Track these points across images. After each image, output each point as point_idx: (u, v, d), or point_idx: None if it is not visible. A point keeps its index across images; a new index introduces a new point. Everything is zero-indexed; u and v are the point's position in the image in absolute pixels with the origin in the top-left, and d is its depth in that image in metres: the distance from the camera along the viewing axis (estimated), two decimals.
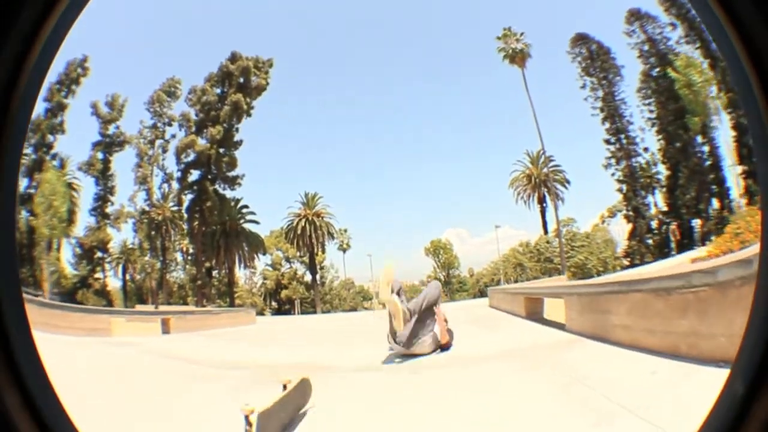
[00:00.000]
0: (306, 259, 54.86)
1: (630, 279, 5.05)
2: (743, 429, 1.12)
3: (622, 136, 49.03)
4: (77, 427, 1.35)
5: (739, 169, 39.62)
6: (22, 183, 35.64)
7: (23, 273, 34.11)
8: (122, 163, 46.69)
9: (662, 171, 48.28)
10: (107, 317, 9.34)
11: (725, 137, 41.09)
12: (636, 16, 47.12)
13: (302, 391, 4.14)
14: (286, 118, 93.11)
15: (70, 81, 40.65)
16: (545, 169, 50.78)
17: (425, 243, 68.24)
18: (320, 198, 54.62)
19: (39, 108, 37.24)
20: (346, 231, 59.76)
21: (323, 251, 55.65)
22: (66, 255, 44.12)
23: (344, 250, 60.86)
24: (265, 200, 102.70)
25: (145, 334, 10.68)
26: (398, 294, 7.61)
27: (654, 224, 48.65)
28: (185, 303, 46.54)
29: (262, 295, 57.73)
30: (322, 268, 57.63)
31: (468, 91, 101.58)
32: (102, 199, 44.25)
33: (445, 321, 7.44)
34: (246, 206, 49.84)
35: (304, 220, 52.48)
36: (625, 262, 49.95)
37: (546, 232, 52.85)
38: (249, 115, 46.35)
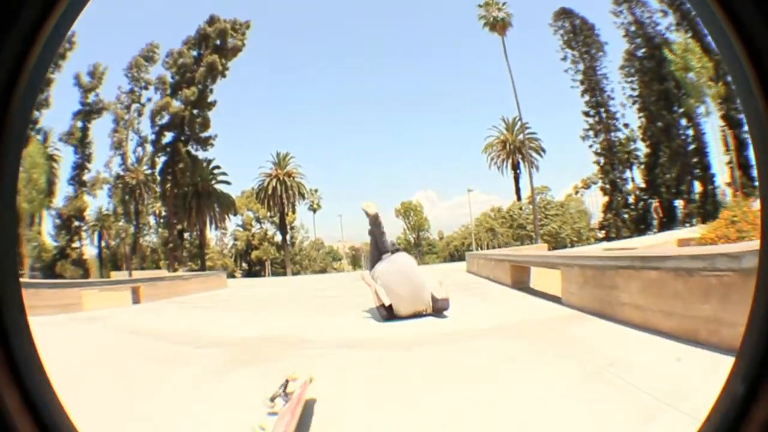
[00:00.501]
0: (276, 219, 55.36)
1: (644, 255, 4.61)
2: (743, 429, 1.09)
3: (602, 109, 49.99)
4: (77, 428, 1.32)
5: (727, 158, 39.90)
6: None
7: None
8: (100, 130, 47.61)
9: (641, 148, 49.07)
10: (78, 291, 8.77)
11: (713, 125, 41.92)
12: None
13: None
14: (262, 79, 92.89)
15: (57, 57, 40.72)
16: (521, 136, 51.03)
17: (395, 204, 68.91)
18: (292, 158, 55.11)
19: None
20: (317, 191, 61.04)
21: (294, 211, 56.30)
22: (47, 227, 44.66)
23: (314, 211, 62.15)
24: (237, 161, 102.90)
25: (116, 305, 10.21)
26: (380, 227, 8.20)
27: (631, 199, 49.20)
28: (158, 267, 46.74)
29: (233, 256, 58.39)
30: (292, 228, 58.50)
31: (443, 58, 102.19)
32: (80, 167, 44.55)
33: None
34: (218, 167, 50.13)
35: (275, 180, 52.86)
36: (600, 234, 50.64)
37: (519, 198, 53.74)
38: (224, 76, 46.76)
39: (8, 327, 1.16)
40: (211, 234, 54.33)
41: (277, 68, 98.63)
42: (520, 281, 9.77)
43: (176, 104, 45.77)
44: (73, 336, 7.11)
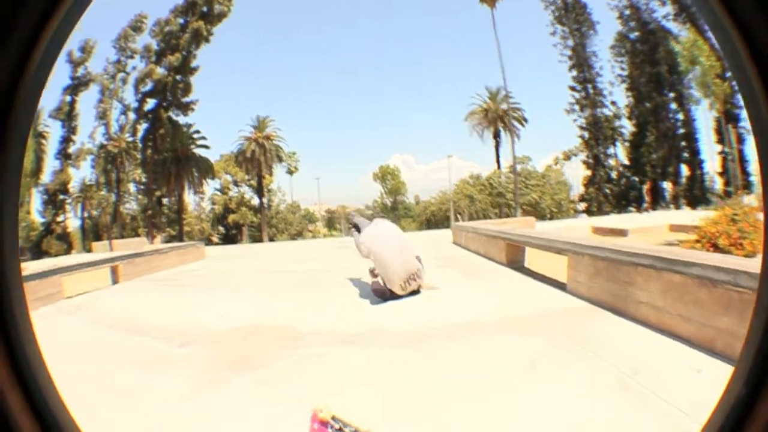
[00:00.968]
0: (254, 182, 55.55)
1: (668, 257, 4.35)
2: (746, 430, 1.07)
3: (589, 85, 50.35)
4: (79, 426, 1.30)
5: (719, 147, 40.77)
6: None
7: None
8: (88, 103, 47.61)
9: (627, 126, 49.53)
10: (59, 278, 8.46)
11: (706, 114, 42.55)
12: None
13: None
14: (245, 45, 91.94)
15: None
16: (504, 106, 51.27)
17: (372, 168, 69.02)
18: (272, 121, 55.11)
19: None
20: (294, 154, 61.68)
21: (271, 174, 56.34)
22: (36, 204, 45.45)
23: (292, 173, 63.10)
24: (218, 125, 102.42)
25: (96, 286, 9.78)
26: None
27: (614, 175, 49.75)
28: (137, 235, 46.81)
29: (210, 220, 58.15)
30: (269, 191, 58.75)
31: (427, 25, 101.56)
32: (66, 140, 44.74)
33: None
34: (198, 131, 50.24)
35: (254, 143, 52.84)
36: (580, 206, 51.13)
37: (499, 166, 54.06)
38: (208, 41, 46.87)
39: (10, 324, 1.14)
40: (189, 199, 54.46)
41: (259, 34, 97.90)
42: (514, 260, 9.54)
43: (160, 71, 45.74)
44: (53, 335, 6.49)
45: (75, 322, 7.11)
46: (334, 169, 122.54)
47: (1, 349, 1.12)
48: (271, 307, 7.09)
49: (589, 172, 51.60)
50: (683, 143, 46.16)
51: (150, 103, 47.12)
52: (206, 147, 51.95)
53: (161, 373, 4.42)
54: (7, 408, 1.10)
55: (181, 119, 48.71)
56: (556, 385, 3.41)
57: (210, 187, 57.25)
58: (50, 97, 44.84)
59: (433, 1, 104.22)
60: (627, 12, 47.67)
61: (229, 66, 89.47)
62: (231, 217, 57.72)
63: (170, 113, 47.45)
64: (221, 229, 59.06)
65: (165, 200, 50.94)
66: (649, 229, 16.85)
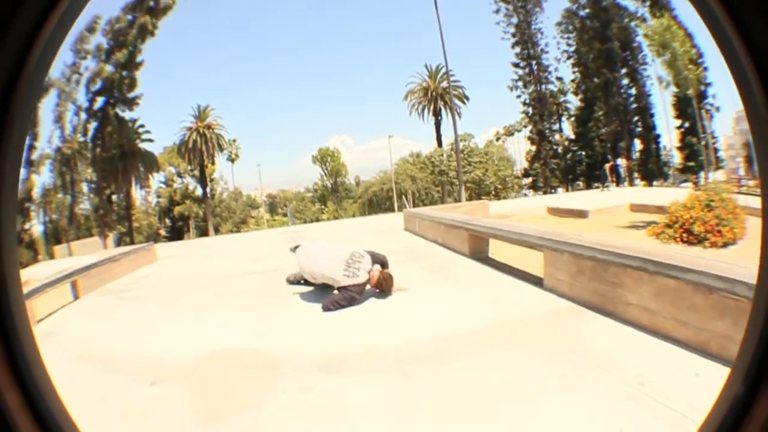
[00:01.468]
0: (197, 172, 56.03)
1: (660, 260, 4.29)
2: (744, 429, 1.11)
3: (534, 62, 50.55)
4: (78, 427, 1.35)
5: (678, 122, 41.82)
6: None
7: None
8: (48, 107, 46.13)
9: (573, 101, 50.16)
10: (30, 302, 8.15)
11: (662, 91, 43.52)
12: None
13: None
14: (185, 35, 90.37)
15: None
16: (444, 84, 51.81)
17: (312, 151, 69.22)
18: (212, 110, 55.57)
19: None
20: (235, 141, 61.96)
21: (213, 163, 56.85)
22: None
23: (233, 161, 63.30)
24: (160, 118, 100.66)
25: (61, 303, 9.46)
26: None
27: (560, 150, 50.50)
28: (91, 235, 46.65)
29: (157, 214, 58.06)
30: (212, 180, 59.07)
31: (367, 3, 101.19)
32: (30, 148, 43.63)
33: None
34: (142, 125, 50.37)
35: (195, 133, 53.28)
36: (525, 181, 51.89)
37: (440, 145, 54.87)
38: (153, 35, 47.01)
39: (9, 326, 1.16)
40: (137, 194, 54.53)
41: (195, 22, 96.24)
42: (478, 251, 9.30)
43: (109, 69, 45.84)
44: None
45: (52, 354, 6.70)
46: (273, 154, 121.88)
47: None
48: (235, 325, 6.56)
49: (533, 148, 52.28)
50: (636, 118, 47.07)
51: (99, 102, 46.95)
52: (150, 141, 51.95)
53: (145, 421, 4.05)
54: (6, 408, 1.11)
55: (127, 115, 48.71)
56: (569, 409, 3.28)
57: (155, 180, 57.31)
58: None
59: None
60: None
61: (169, 57, 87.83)
62: (176, 209, 58.00)
63: (117, 110, 47.43)
64: (168, 221, 58.93)
65: (114, 197, 50.67)
66: (609, 210, 16.81)
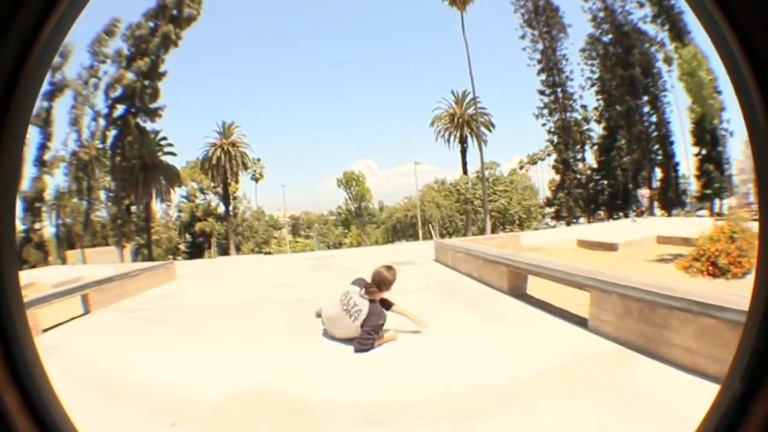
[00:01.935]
0: (220, 189, 55.75)
1: (702, 301, 4.31)
2: (742, 428, 1.12)
3: (559, 89, 50.37)
4: (76, 427, 1.36)
5: (696, 149, 41.66)
6: None
7: None
8: (63, 108, 46.86)
9: (595, 129, 49.99)
10: (34, 311, 7.91)
11: (681, 117, 43.60)
12: None
13: None
14: (212, 49, 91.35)
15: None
16: (470, 110, 52.39)
17: (336, 174, 69.24)
18: (237, 127, 55.58)
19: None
20: (259, 161, 61.90)
21: (237, 182, 56.68)
22: (18, 213, 44.15)
23: (257, 180, 63.14)
24: (183, 132, 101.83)
25: (70, 314, 9.32)
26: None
27: (583, 179, 50.13)
28: (107, 243, 47.23)
29: (177, 228, 57.59)
30: (235, 198, 58.98)
31: (388, 30, 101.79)
32: (42, 147, 44.12)
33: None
34: (165, 138, 50.48)
35: (219, 149, 53.24)
36: (548, 210, 51.58)
37: (465, 172, 54.53)
38: (176, 45, 46.88)
39: (8, 328, 1.17)
40: (157, 207, 54.55)
41: (224, 39, 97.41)
42: (517, 287, 8.99)
43: (130, 76, 45.63)
44: None
45: (53, 373, 6.42)
46: (297, 175, 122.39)
47: None
48: (263, 361, 6.05)
49: (557, 177, 51.99)
50: (656, 146, 46.81)
51: (119, 109, 47.00)
52: (173, 154, 51.91)
53: None
54: (5, 408, 1.13)
55: (149, 125, 48.65)
56: None
57: (177, 194, 57.29)
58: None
59: (396, 3, 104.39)
60: (601, 15, 48.11)
61: (194, 71, 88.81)
62: (198, 225, 57.81)
63: (138, 119, 47.33)
64: (188, 237, 58.84)
65: (134, 208, 50.51)
66: (638, 243, 16.59)
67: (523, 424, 3.84)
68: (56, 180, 46.33)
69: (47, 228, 46.83)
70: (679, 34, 40.72)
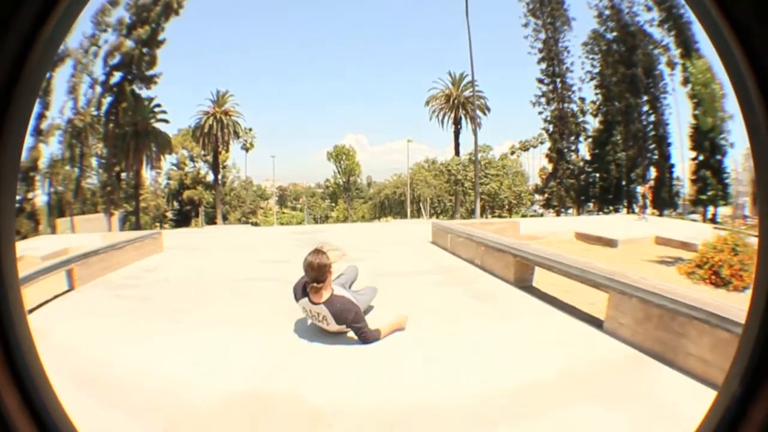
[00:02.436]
0: (210, 158, 56.03)
1: (720, 314, 4.32)
2: (741, 429, 1.11)
3: (558, 80, 50.48)
4: (76, 427, 1.35)
5: (693, 154, 42.31)
6: None
7: None
8: (62, 78, 45.89)
9: (591, 123, 50.90)
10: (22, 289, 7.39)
11: (680, 120, 44.00)
12: None
13: None
14: (211, 21, 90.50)
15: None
16: (467, 93, 53.17)
17: (326, 147, 69.18)
18: (231, 96, 55.70)
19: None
20: (251, 130, 61.58)
21: (227, 150, 57.17)
22: None
23: (247, 150, 62.91)
24: (177, 100, 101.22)
25: (53, 292, 8.82)
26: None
27: (575, 170, 50.51)
28: (96, 210, 47.21)
29: (166, 196, 57.31)
30: (224, 167, 59.39)
31: (391, 7, 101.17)
32: (40, 116, 43.64)
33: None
34: (159, 105, 50.30)
35: (212, 118, 53.45)
36: (538, 197, 52.01)
37: (458, 153, 55.10)
38: (177, 14, 46.85)
39: (7, 326, 1.17)
40: (147, 174, 54.49)
41: (225, 10, 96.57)
42: (523, 278, 8.75)
43: (129, 44, 45.56)
44: None
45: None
46: (287, 147, 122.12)
47: None
48: (262, 354, 5.56)
49: (550, 166, 52.34)
50: (652, 146, 47.21)
51: (116, 77, 46.75)
52: (166, 121, 51.83)
53: None
54: (5, 408, 1.12)
55: (144, 93, 48.53)
56: None
57: (167, 162, 57.52)
58: None
59: None
60: (607, 12, 48.12)
61: (194, 41, 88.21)
62: (186, 193, 57.91)
63: (134, 86, 47.22)
64: (176, 205, 58.79)
65: (123, 175, 50.26)
66: (636, 241, 16.58)
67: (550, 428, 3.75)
68: (51, 148, 46.11)
69: (39, 197, 46.38)
70: (685, 42, 41.14)
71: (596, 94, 50.05)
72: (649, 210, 44.39)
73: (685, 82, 40.88)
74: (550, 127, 51.26)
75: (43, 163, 45.56)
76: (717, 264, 11.02)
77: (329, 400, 4.28)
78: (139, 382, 4.79)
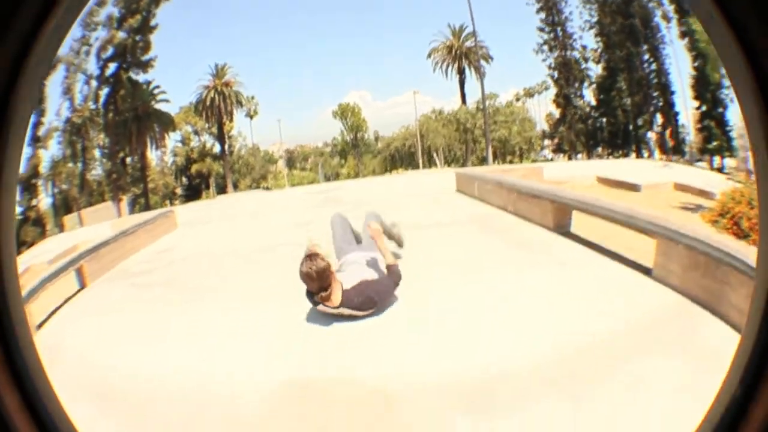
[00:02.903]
0: (215, 130, 55.71)
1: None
2: (741, 430, 1.10)
3: (558, 28, 50.33)
4: (77, 428, 1.34)
5: (696, 104, 42.27)
6: None
7: None
8: (55, 84, 45.14)
9: (594, 69, 50.65)
10: (27, 307, 5.92)
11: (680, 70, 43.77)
12: None
13: None
14: None
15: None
16: (468, 43, 53.02)
17: (329, 107, 68.74)
18: (230, 68, 55.10)
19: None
20: (253, 98, 60.39)
21: (231, 120, 56.56)
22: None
23: (252, 117, 61.83)
24: (179, 80, 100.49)
25: (63, 295, 7.75)
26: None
27: (582, 116, 50.46)
28: (104, 200, 46.69)
29: (173, 173, 57.67)
30: (230, 137, 58.68)
31: None
32: (36, 125, 43.02)
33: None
34: (158, 87, 50.02)
35: (213, 91, 53.09)
36: (547, 143, 52.03)
37: (464, 102, 54.94)
38: None
39: (7, 326, 1.15)
40: (152, 155, 54.02)
41: None
42: (561, 224, 8.33)
43: (121, 35, 45.57)
44: None
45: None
46: (292, 110, 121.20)
47: None
48: (299, 330, 5.14)
49: (557, 111, 52.20)
50: (656, 93, 47.06)
51: (111, 68, 46.56)
52: (167, 101, 51.61)
53: None
54: (5, 409, 1.10)
55: (142, 78, 48.35)
56: None
57: (171, 140, 56.99)
58: None
59: None
60: None
61: (188, 20, 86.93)
62: (194, 167, 57.56)
63: (130, 73, 47.11)
64: (185, 180, 58.74)
65: (128, 160, 50.25)
66: (657, 186, 16.36)
67: (628, 389, 3.57)
68: (51, 151, 45.76)
69: (43, 200, 46.04)
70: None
71: (597, 42, 49.67)
72: (657, 156, 44.39)
73: (683, 35, 40.92)
74: (555, 74, 51.10)
75: (43, 168, 45.28)
76: (737, 215, 11.10)
77: (392, 378, 3.96)
78: (173, 384, 4.26)
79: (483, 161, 45.85)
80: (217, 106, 53.11)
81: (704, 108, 41.22)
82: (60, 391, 1.28)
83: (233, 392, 3.96)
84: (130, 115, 47.07)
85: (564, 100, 50.67)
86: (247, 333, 5.30)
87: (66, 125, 45.43)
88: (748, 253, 4.52)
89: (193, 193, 56.61)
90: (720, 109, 40.59)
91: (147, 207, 45.98)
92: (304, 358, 4.57)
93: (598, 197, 8.23)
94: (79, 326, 6.39)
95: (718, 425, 1.15)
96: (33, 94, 1.20)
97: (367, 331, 4.99)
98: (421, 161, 51.97)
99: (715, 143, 40.14)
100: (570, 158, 49.47)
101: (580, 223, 8.17)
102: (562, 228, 8.37)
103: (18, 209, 42.13)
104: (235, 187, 55.45)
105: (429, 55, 56.85)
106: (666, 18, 44.54)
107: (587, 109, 50.62)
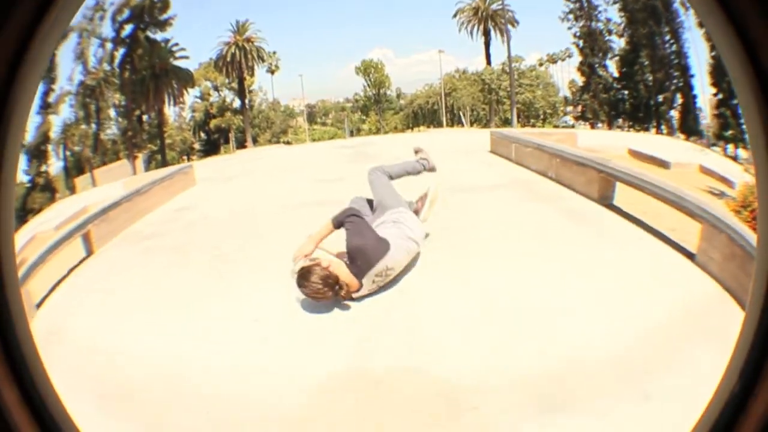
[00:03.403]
0: (235, 84, 55.18)
1: None
2: (740, 425, 1.11)
3: (584, 0, 49.60)
4: (76, 424, 1.34)
5: (714, 90, 41.73)
6: None
7: None
8: (65, 53, 44.04)
9: (617, 43, 49.95)
10: (25, 289, 5.37)
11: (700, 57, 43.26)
12: None
13: None
14: None
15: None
16: (494, 6, 52.90)
17: (351, 62, 68.12)
18: (252, 24, 54.38)
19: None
20: (275, 53, 59.58)
21: (252, 75, 55.97)
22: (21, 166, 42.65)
23: (273, 73, 61.15)
24: (199, 38, 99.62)
25: (67, 265, 6.85)
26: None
27: (606, 85, 50.42)
28: (118, 159, 46.46)
29: (191, 129, 57.53)
30: (251, 92, 58.16)
31: None
32: (46, 93, 42.30)
33: None
34: (176, 44, 49.56)
35: (234, 47, 52.39)
36: (570, 109, 52.04)
37: (489, 63, 54.78)
38: None
39: (6, 321, 1.15)
40: (170, 111, 53.67)
41: None
42: (605, 195, 7.94)
43: None
44: None
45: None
46: (313, 66, 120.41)
47: None
48: (343, 310, 4.52)
49: (581, 79, 52.00)
50: (676, 74, 46.77)
51: (127, 29, 46.21)
52: (186, 58, 51.12)
53: None
54: (4, 405, 1.10)
55: (160, 36, 48.06)
56: None
57: (190, 96, 56.31)
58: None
59: None
60: None
61: None
62: (213, 122, 57.28)
63: (147, 33, 46.82)
64: (203, 135, 58.58)
65: (145, 118, 50.14)
66: (685, 166, 15.91)
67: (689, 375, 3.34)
68: (62, 116, 44.77)
69: (54, 165, 44.81)
70: None
71: (621, 17, 49.22)
72: (678, 134, 44.35)
73: (701, 25, 40.28)
74: (581, 42, 50.86)
75: (54, 133, 44.40)
76: (757, 209, 11.25)
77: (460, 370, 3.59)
78: (197, 377, 3.72)
79: (506, 123, 45.95)
80: (237, 61, 52.46)
81: (721, 96, 40.92)
82: (60, 381, 1.28)
83: (270, 386, 3.43)
84: (148, 73, 46.72)
85: (589, 69, 50.47)
86: (278, 311, 4.68)
87: (79, 88, 44.85)
88: None
89: (211, 148, 56.39)
90: (735, 101, 40.32)
91: (164, 163, 45.92)
92: (342, 343, 4.07)
93: (646, 172, 7.61)
94: (82, 302, 5.62)
95: (717, 420, 1.16)
96: (33, 87, 1.19)
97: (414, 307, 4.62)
98: (444, 120, 52.06)
99: (730, 132, 40.15)
100: (593, 127, 49.28)
101: (620, 195, 7.71)
102: (606, 199, 7.96)
103: (25, 177, 41.74)
104: (255, 141, 55.18)
105: (455, 15, 56.58)
106: (684, 5, 44.36)
107: (610, 80, 50.41)
